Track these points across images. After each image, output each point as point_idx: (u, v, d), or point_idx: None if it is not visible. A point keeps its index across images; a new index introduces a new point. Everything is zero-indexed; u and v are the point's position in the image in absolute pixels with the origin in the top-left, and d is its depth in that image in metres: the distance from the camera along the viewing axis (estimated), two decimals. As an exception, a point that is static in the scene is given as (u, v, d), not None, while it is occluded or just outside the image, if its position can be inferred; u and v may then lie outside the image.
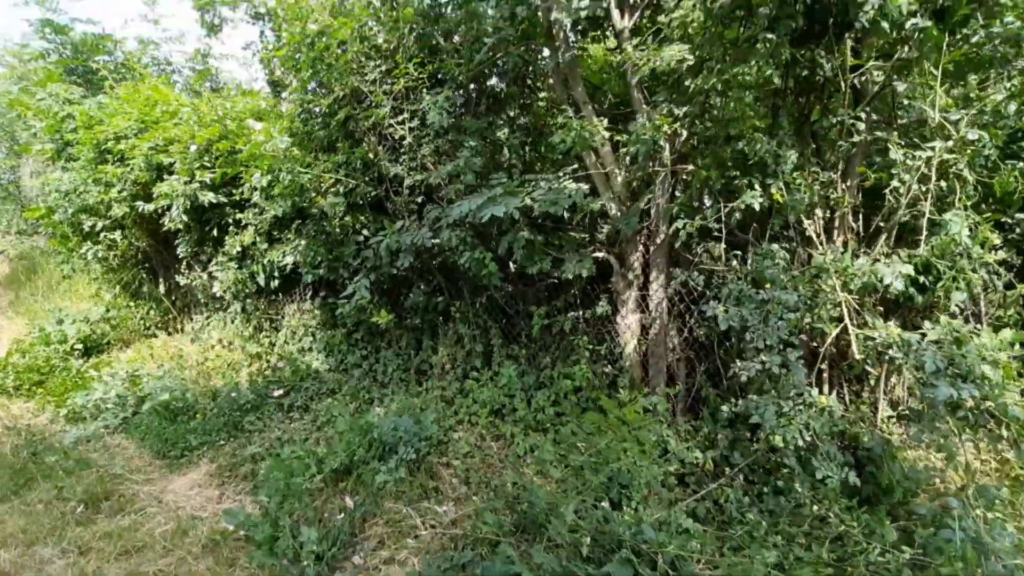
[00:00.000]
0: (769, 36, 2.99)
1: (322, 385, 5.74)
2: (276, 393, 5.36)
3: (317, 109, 5.08)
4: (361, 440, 4.05)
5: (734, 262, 3.66)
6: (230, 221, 6.36)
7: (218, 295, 6.42)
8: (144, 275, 8.75)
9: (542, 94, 5.44)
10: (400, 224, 4.56)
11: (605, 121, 4.04)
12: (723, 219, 3.52)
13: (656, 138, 3.43)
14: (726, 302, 3.39)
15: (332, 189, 5.08)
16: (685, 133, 3.77)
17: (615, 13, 3.94)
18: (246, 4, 5.86)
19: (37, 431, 5.49)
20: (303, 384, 5.75)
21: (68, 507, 3.92)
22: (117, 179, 6.48)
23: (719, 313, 3.33)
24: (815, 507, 3.17)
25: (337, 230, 5.21)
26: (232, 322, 7.17)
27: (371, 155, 4.79)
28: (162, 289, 8.36)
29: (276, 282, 6.36)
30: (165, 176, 6.42)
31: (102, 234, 6.74)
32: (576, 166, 4.36)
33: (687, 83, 3.42)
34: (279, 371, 6.02)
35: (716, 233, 3.72)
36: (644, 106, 3.78)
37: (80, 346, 7.40)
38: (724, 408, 3.69)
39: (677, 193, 3.98)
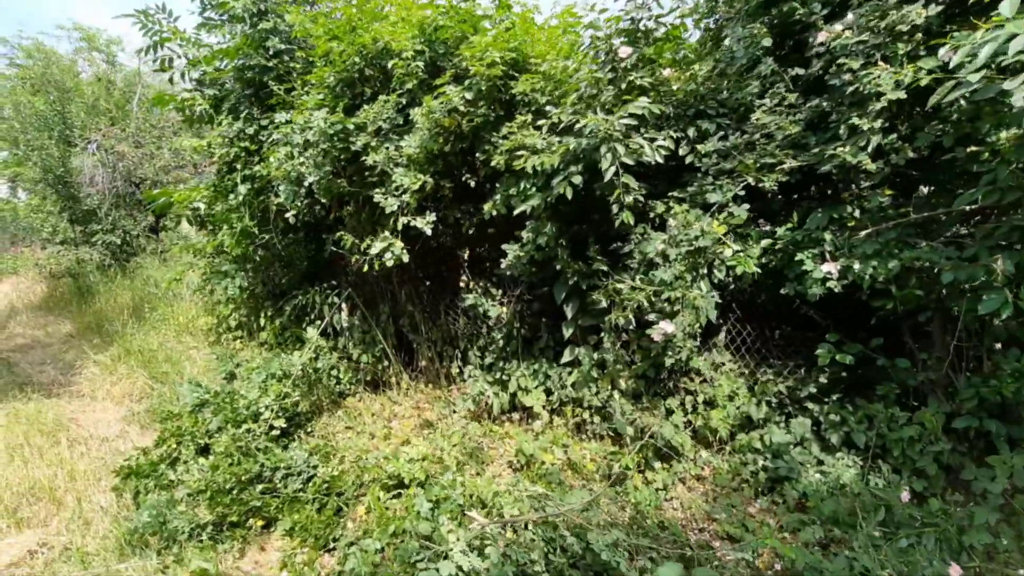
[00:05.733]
0: None
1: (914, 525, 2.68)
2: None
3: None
4: None
5: None
6: (637, 192, 3.33)
7: (667, 334, 3.29)
8: (317, 298, 5.58)
9: None
10: None
11: None
12: None
13: None
14: None
15: None
16: None
17: None
18: None
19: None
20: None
21: None
22: (437, 110, 3.45)
23: None
24: None
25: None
26: (561, 377, 4.06)
27: None
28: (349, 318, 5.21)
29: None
30: (517, 114, 3.44)
31: (399, 220, 3.54)
32: None
33: None
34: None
35: None
36: None
37: (281, 422, 4.18)
38: None
39: None
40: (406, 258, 3.36)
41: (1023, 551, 2.62)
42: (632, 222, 3.33)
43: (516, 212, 3.44)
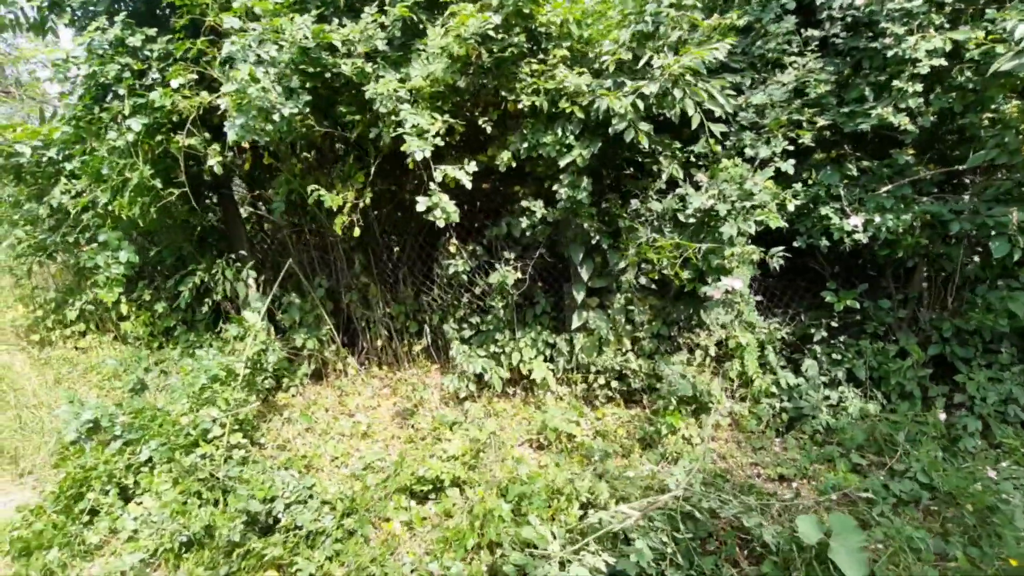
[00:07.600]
0: None
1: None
2: None
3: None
4: None
5: None
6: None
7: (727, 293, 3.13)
8: (227, 273, 4.37)
9: None
10: None
11: None
12: None
13: None
14: None
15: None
16: None
17: None
18: None
19: None
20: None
21: None
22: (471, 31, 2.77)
23: None
24: None
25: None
26: (572, 342, 3.81)
27: None
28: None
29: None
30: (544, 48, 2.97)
31: (433, 171, 2.68)
32: None
33: None
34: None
35: None
36: None
37: (239, 437, 3.18)
38: None
39: None
40: (456, 217, 2.71)
41: (992, 448, 3.26)
42: (681, 175, 3.18)
43: (564, 164, 3.01)
